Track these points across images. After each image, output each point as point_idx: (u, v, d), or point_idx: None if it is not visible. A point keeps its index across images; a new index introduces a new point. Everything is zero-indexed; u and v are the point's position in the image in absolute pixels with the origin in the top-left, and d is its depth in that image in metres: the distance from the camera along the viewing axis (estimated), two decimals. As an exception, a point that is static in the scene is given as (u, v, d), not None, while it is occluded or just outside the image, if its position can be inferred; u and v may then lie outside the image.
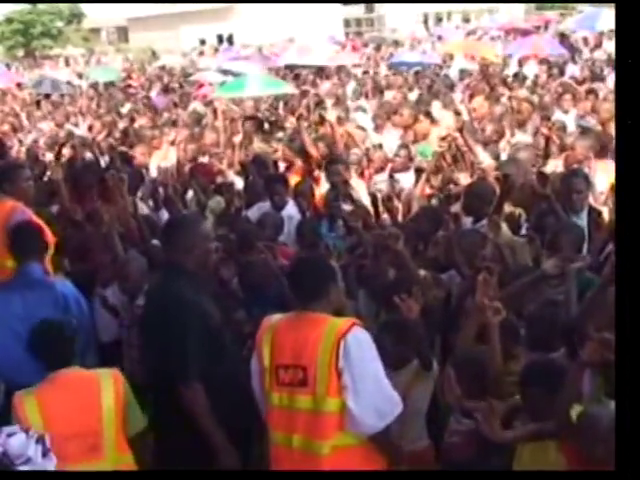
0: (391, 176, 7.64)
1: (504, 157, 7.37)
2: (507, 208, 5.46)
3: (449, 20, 49.23)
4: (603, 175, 6.40)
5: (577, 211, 5.54)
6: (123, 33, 57.59)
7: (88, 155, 9.37)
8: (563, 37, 18.97)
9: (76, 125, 13.18)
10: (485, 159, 7.09)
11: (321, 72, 17.49)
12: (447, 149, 7.20)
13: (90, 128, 12.11)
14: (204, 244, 4.08)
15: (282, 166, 8.17)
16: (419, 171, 7.04)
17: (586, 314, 3.84)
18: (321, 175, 7.44)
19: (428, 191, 6.80)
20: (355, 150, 8.22)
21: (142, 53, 37.44)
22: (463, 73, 15.31)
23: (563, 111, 9.75)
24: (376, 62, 20.64)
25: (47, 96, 16.52)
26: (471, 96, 11.15)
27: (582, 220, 5.47)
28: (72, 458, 3.50)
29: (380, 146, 8.60)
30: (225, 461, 3.83)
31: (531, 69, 14.96)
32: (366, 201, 6.38)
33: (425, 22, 46.74)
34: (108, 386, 3.84)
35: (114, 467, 3.76)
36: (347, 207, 6.10)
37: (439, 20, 50.73)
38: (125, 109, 14.18)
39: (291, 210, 6.47)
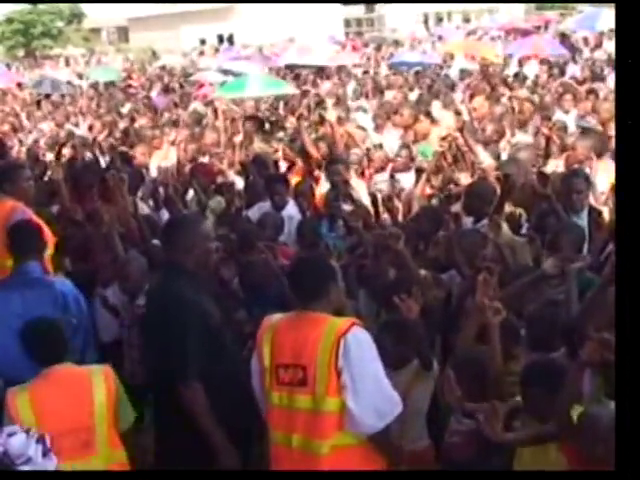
0: (392, 176, 7.64)
1: (504, 157, 7.37)
2: (507, 208, 5.45)
3: (449, 20, 49.33)
4: (604, 175, 6.40)
5: (577, 211, 5.54)
6: (123, 33, 57.60)
7: (88, 155, 9.38)
8: (563, 37, 18.97)
9: (76, 125, 13.20)
10: (485, 159, 7.08)
11: (321, 72, 17.48)
12: (447, 149, 7.19)
13: (90, 128, 12.11)
14: (204, 244, 4.08)
15: (283, 166, 8.17)
16: (419, 171, 7.04)
17: (586, 314, 3.83)
18: (321, 175, 7.44)
19: (428, 191, 6.80)
20: (355, 150, 8.20)
21: (142, 53, 37.47)
22: (463, 73, 15.30)
23: (564, 111, 9.74)
24: (376, 62, 20.62)
25: (47, 96, 16.54)
26: (471, 96, 11.11)
27: (582, 220, 5.46)
28: (65, 454, 3.48)
29: (380, 146, 8.58)
30: (225, 461, 3.83)
31: (531, 69, 14.95)
32: (366, 201, 6.37)
33: (425, 22, 46.77)
34: (99, 382, 3.84)
35: (107, 463, 3.77)
36: (347, 207, 6.10)
37: (439, 20, 50.78)
38: (125, 109, 14.18)
39: (291, 210, 6.47)
